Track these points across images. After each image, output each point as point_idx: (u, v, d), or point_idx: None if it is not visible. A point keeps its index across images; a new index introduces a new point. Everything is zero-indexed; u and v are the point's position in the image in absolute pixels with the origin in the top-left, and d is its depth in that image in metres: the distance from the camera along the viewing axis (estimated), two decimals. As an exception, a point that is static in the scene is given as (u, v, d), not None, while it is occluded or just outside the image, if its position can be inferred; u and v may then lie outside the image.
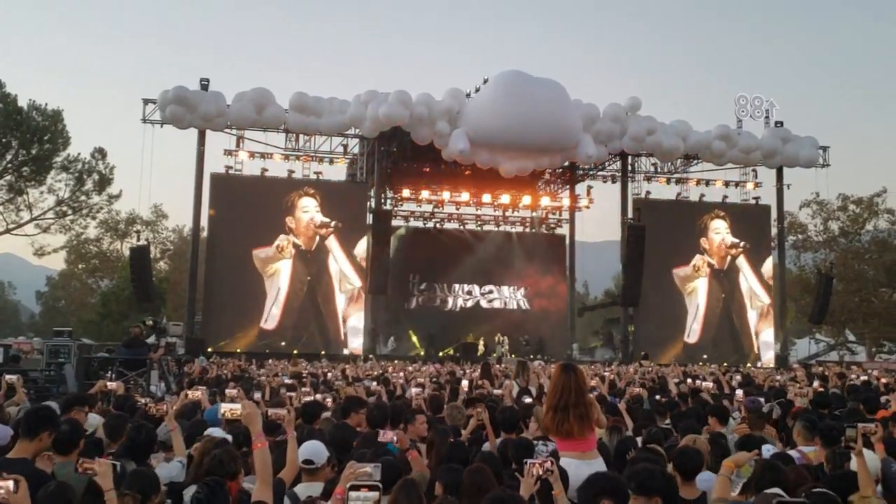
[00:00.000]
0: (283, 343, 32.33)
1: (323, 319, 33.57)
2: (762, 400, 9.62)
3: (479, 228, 42.84)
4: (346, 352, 32.33)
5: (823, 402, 10.04)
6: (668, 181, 38.79)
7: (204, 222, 34.05)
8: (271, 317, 33.12)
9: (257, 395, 10.25)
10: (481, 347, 35.53)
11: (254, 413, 4.68)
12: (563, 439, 5.67)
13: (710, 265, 37.47)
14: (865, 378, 16.84)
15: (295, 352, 29.81)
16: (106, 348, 19.02)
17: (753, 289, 37.62)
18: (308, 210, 33.75)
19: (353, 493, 3.19)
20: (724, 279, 37.55)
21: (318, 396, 10.15)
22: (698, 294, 37.23)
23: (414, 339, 38.08)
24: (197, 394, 8.71)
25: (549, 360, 29.34)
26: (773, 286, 37.99)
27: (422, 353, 35.14)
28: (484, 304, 41.39)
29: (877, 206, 51.62)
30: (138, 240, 35.23)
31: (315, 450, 5.20)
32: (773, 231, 38.79)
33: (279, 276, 33.35)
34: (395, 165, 37.68)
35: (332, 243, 33.69)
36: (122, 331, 36.01)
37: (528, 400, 7.97)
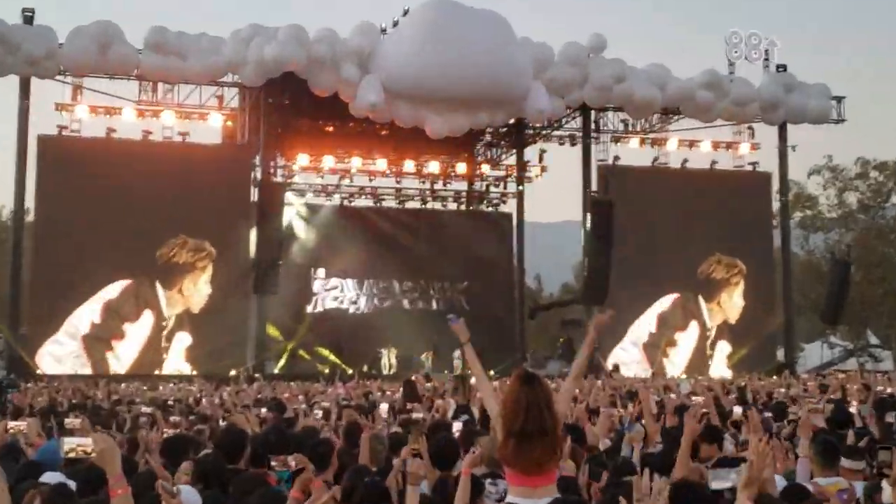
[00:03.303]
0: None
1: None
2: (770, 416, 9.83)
3: (399, 206, 42.81)
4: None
5: (843, 420, 10.17)
6: (643, 142, 39.31)
7: (30, 202, 33.46)
8: (124, 357, 32.61)
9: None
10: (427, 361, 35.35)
11: (110, 449, 4.58)
12: (518, 473, 5.46)
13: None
14: (892, 390, 17.15)
15: (157, 372, 29.38)
16: None
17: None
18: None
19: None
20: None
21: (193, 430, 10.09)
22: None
23: (326, 352, 37.30)
24: (21, 426, 8.58)
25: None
26: (779, 278, 38.69)
27: (349, 372, 33.88)
28: (406, 304, 41.48)
29: (905, 172, 53.11)
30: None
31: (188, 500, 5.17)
32: (775, 206, 39.55)
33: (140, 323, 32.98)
34: (287, 123, 37.40)
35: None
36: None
37: (462, 421, 7.99)
